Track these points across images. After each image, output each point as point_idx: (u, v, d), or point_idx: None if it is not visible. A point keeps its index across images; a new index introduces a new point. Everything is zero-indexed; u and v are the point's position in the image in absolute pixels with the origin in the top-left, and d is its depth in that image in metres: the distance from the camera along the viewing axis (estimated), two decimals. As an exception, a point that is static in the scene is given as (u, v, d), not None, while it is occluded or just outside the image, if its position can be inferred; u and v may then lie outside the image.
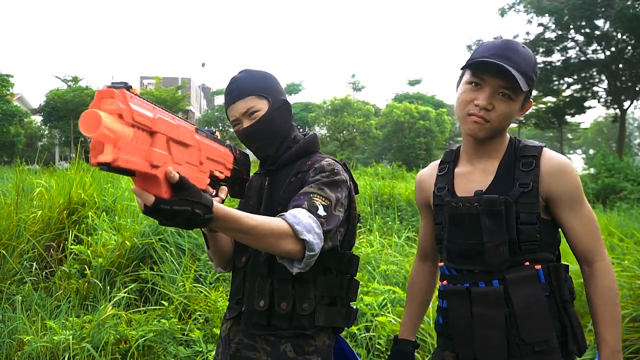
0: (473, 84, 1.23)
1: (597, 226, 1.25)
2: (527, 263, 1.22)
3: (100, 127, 0.66)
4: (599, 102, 24.91)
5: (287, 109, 1.39)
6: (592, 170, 16.76)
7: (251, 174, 1.38)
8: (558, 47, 23.71)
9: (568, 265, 1.27)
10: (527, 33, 24.11)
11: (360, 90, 41.59)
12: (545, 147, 1.26)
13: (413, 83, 41.71)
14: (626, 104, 23.18)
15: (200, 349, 2.64)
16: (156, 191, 0.80)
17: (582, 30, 22.23)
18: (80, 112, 0.79)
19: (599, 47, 22.80)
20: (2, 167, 14.59)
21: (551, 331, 1.19)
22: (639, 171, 14.93)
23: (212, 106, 39.04)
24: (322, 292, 1.30)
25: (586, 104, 25.66)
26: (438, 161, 1.45)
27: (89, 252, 3.54)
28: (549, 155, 1.23)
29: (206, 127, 1.30)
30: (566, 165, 1.23)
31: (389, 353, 1.64)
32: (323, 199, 1.20)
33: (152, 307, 3.11)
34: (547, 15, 22.13)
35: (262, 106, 1.34)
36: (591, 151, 56.29)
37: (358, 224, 1.49)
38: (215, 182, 1.10)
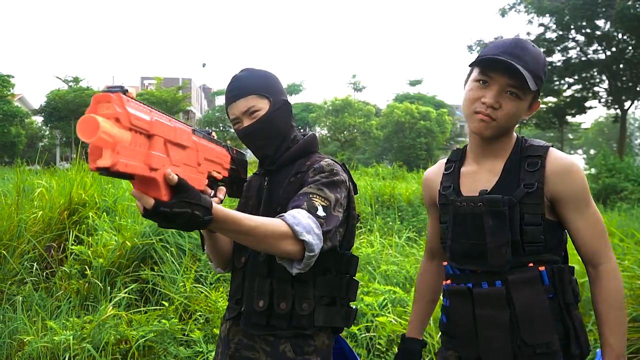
0: (481, 82, 1.21)
1: (604, 227, 1.23)
2: (531, 264, 1.20)
3: (98, 132, 0.66)
4: (599, 102, 24.85)
5: (287, 109, 1.39)
6: (592, 171, 16.71)
7: (249, 175, 1.38)
8: (559, 48, 23.63)
9: (573, 267, 1.25)
10: (528, 33, 24.03)
11: (361, 91, 41.69)
12: (551, 146, 1.24)
13: (414, 83, 41.67)
14: (627, 104, 23.11)
15: (201, 349, 2.64)
16: (155, 194, 0.80)
17: (583, 31, 22.16)
18: (82, 112, 0.80)
19: (599, 47, 22.74)
20: (3, 168, 14.62)
21: (553, 334, 1.17)
22: (640, 171, 14.92)
23: (213, 107, 39.00)
24: (322, 292, 1.30)
25: (587, 104, 25.58)
26: (445, 159, 1.43)
27: (89, 252, 3.55)
28: (555, 155, 1.22)
29: (207, 128, 1.30)
30: (572, 165, 1.21)
31: (393, 352, 1.63)
32: (322, 200, 1.19)
33: (153, 308, 3.11)
34: (547, 15, 22.05)
35: (262, 105, 1.33)
36: (592, 151, 56.23)
37: (358, 224, 1.49)
38: (213, 182, 1.10)
